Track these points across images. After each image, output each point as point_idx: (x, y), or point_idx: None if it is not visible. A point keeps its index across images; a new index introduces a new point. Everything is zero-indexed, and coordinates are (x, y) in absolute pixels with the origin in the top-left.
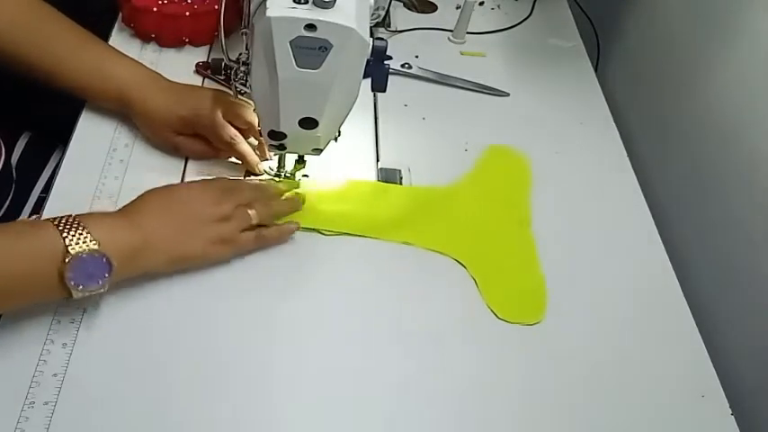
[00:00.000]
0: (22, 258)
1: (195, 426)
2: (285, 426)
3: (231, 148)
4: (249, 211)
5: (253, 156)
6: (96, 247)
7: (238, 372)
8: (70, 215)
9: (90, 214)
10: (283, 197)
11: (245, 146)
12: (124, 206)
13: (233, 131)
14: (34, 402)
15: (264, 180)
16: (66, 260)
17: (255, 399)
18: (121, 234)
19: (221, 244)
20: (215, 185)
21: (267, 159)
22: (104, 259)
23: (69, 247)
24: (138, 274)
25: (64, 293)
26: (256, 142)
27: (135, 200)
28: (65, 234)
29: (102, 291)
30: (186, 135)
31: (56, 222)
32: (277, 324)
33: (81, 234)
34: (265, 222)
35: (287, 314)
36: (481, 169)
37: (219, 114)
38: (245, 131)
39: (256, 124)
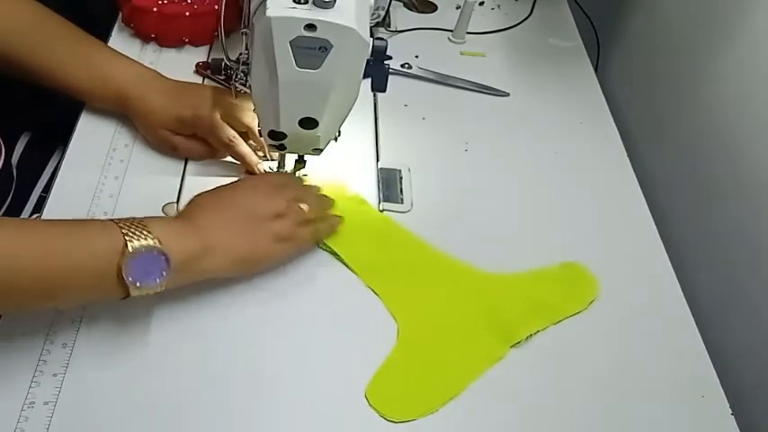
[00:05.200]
0: (82, 252)
1: (196, 424)
2: (285, 427)
3: (230, 150)
4: (301, 206)
5: (252, 156)
6: (156, 243)
7: (238, 374)
8: (133, 217)
9: (152, 217)
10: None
11: (244, 147)
12: (180, 212)
13: (232, 133)
14: (34, 402)
15: None
16: (125, 255)
17: (255, 401)
18: (182, 236)
19: (282, 241)
20: (264, 183)
21: (270, 159)
22: (163, 257)
23: (129, 243)
24: (199, 279)
25: (121, 291)
26: (256, 144)
27: (187, 206)
28: (125, 230)
29: (159, 290)
30: (184, 136)
31: (117, 221)
32: (274, 330)
33: (142, 232)
34: (316, 216)
35: (288, 319)
36: (538, 276)
37: (218, 116)
38: (244, 133)
39: (255, 126)
